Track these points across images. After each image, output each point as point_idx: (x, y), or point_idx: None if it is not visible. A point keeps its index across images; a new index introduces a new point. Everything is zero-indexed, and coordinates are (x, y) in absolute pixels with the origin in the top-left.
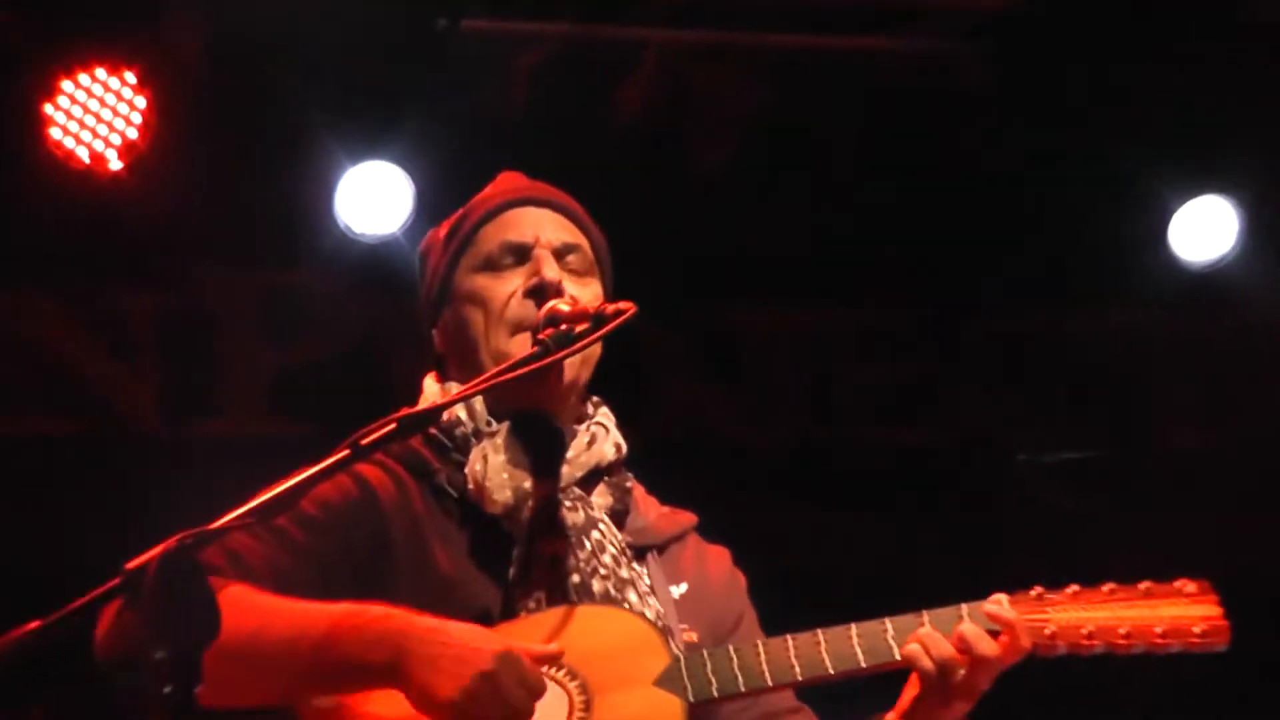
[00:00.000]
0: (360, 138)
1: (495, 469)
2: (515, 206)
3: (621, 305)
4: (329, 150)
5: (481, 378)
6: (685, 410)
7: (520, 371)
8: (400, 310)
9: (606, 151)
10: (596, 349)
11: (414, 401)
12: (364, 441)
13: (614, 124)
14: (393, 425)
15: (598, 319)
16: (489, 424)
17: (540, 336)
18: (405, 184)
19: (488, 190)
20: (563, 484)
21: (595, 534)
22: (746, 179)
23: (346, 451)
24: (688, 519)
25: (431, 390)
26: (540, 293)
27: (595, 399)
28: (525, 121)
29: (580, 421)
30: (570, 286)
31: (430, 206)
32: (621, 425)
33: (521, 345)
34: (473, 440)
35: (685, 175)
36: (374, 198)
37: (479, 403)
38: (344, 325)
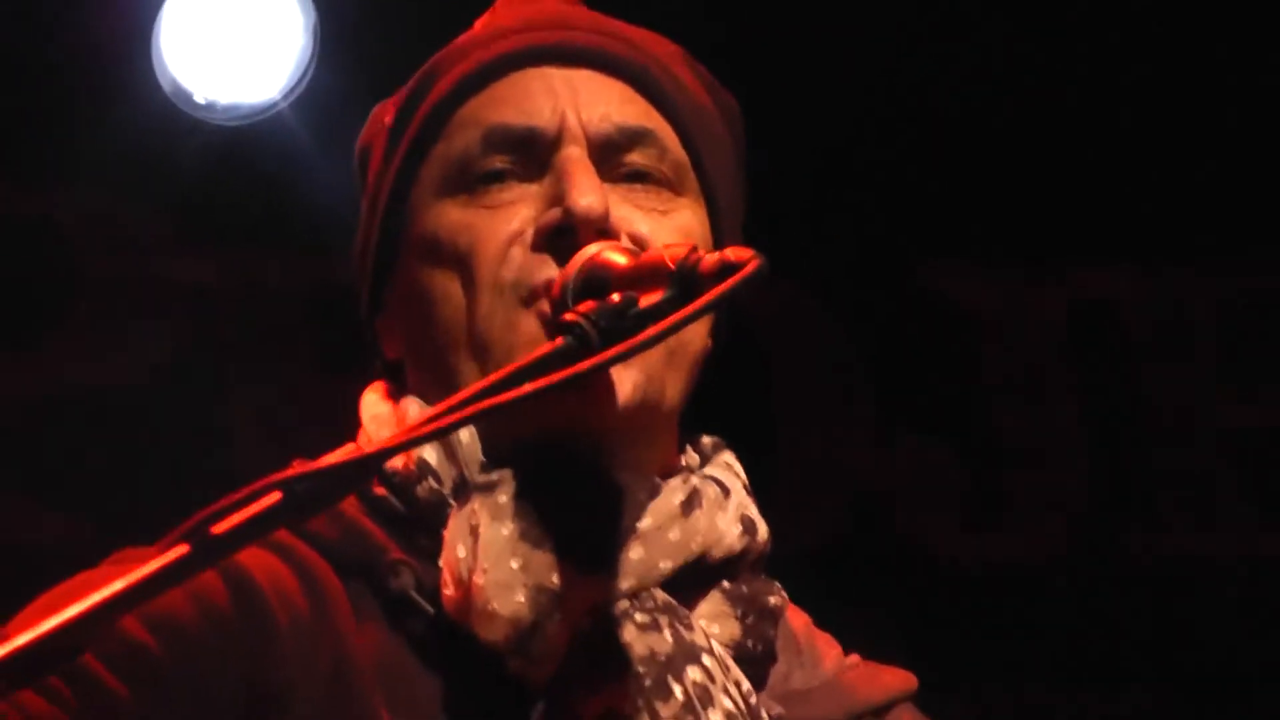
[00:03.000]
0: None
1: (495, 552)
2: (525, 65)
3: (733, 254)
4: None
5: (462, 394)
6: (879, 477)
7: (533, 387)
8: (290, 268)
9: None
10: (696, 337)
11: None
12: (217, 529)
13: None
14: (275, 495)
15: (685, 280)
16: (484, 470)
17: (568, 317)
18: (293, 4)
19: (477, 25)
20: (629, 582)
21: (694, 673)
22: None
23: (184, 549)
24: (898, 681)
25: (377, 413)
26: (564, 236)
27: (708, 438)
28: None
29: (671, 474)
30: (631, 218)
31: (342, 52)
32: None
33: (534, 330)
34: (451, 503)
35: None
36: (228, 32)
37: (466, 435)
38: (165, 309)
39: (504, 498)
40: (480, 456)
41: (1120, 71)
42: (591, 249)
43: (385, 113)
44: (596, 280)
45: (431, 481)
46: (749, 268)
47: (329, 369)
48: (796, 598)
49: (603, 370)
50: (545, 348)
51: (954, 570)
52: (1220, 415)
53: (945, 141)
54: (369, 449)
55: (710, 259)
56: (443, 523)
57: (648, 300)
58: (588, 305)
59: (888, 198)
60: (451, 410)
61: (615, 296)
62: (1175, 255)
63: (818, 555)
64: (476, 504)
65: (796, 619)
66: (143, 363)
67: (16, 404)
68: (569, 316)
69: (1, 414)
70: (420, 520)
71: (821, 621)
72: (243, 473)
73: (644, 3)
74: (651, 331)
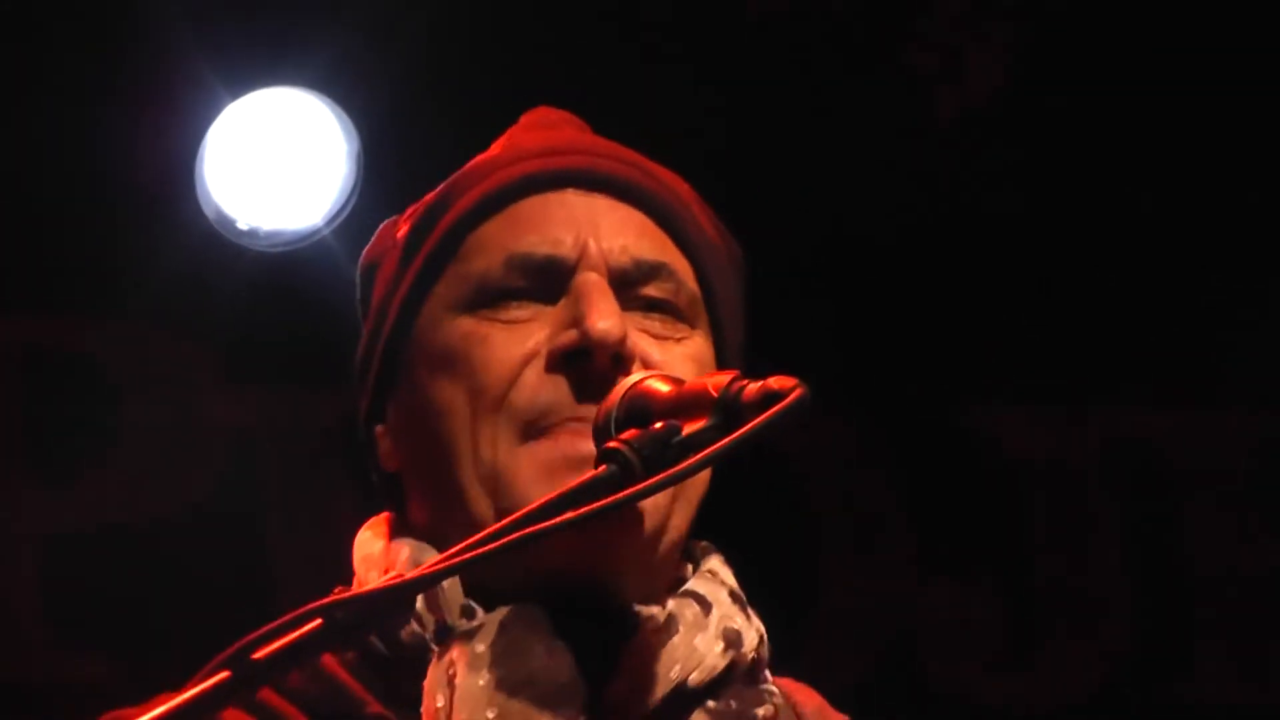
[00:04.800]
0: (252, 53)
1: (471, 702)
2: (546, 188)
3: (776, 383)
4: (188, 75)
5: (489, 530)
6: (916, 618)
7: (569, 517)
8: (331, 401)
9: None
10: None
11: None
12: (257, 655)
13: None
14: (316, 622)
15: (727, 409)
16: (468, 614)
17: (611, 444)
18: (336, 131)
19: (496, 147)
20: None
21: None
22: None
23: (224, 675)
24: None
25: (368, 554)
26: (579, 360)
27: (700, 543)
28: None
29: (669, 592)
30: (645, 345)
31: (384, 178)
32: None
33: (553, 451)
34: (432, 648)
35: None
36: (271, 159)
37: (447, 580)
38: (202, 441)
39: (481, 646)
40: (462, 599)
41: (1160, 215)
42: (634, 377)
43: (396, 229)
44: (639, 408)
45: (415, 625)
46: (792, 397)
47: (371, 506)
48: None
49: (648, 497)
50: (589, 475)
51: (989, 714)
52: (1263, 559)
53: (986, 283)
54: (409, 576)
55: (753, 388)
56: (424, 668)
57: (690, 428)
58: (631, 433)
59: (929, 340)
60: (494, 537)
61: (658, 424)
62: (1216, 396)
63: (853, 695)
64: (455, 653)
65: (809, 701)
66: (184, 500)
67: (58, 542)
68: (612, 444)
69: (42, 552)
70: (403, 664)
71: None
72: (285, 610)
73: (672, 144)
74: (694, 460)
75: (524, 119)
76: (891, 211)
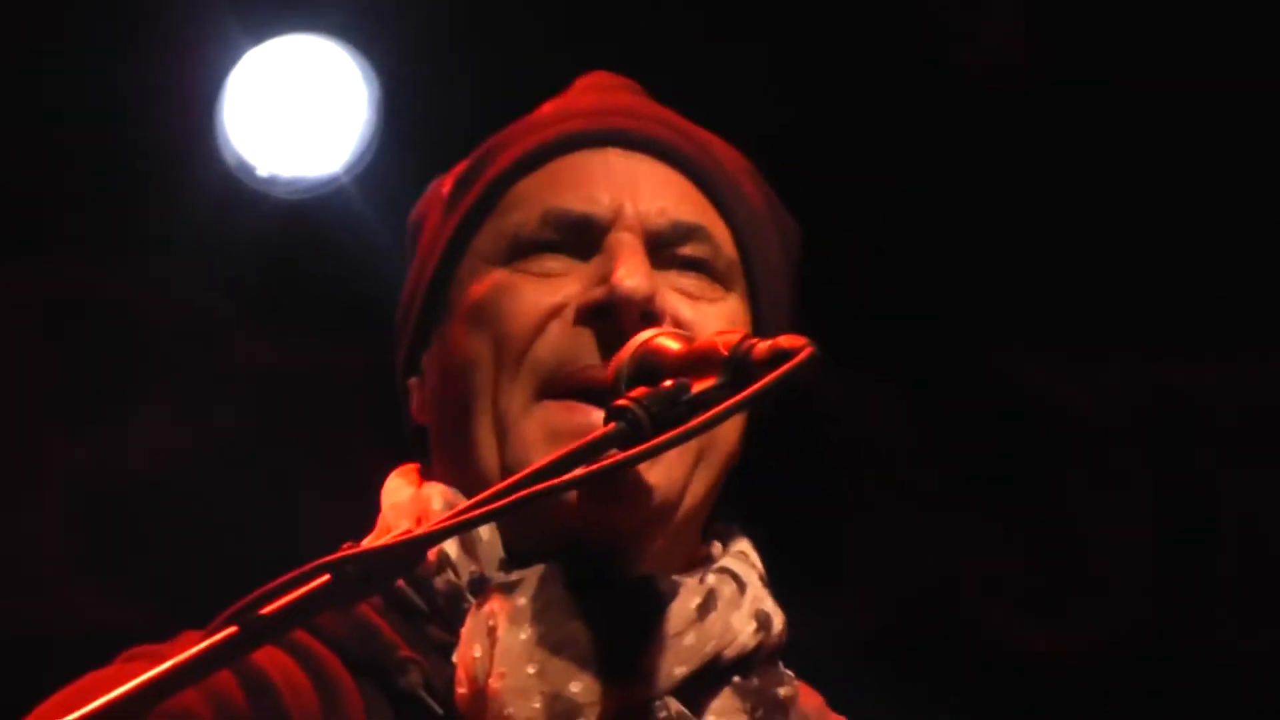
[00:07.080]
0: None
1: (512, 657)
2: (585, 146)
3: (786, 341)
4: (209, 22)
5: (498, 487)
6: (926, 569)
7: (576, 475)
8: (352, 346)
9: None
10: (727, 437)
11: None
12: (265, 610)
13: None
14: (325, 577)
15: (737, 367)
16: (503, 570)
17: (621, 402)
18: (356, 78)
19: (546, 107)
20: (646, 689)
21: None
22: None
23: (232, 630)
24: None
25: (396, 501)
26: (605, 317)
27: (725, 526)
28: None
29: (692, 568)
30: (676, 304)
31: (404, 126)
32: (784, 589)
33: (562, 417)
34: (468, 600)
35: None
36: (291, 106)
37: (486, 531)
38: (226, 385)
39: (523, 600)
40: (500, 553)
41: (1201, 161)
42: (645, 334)
43: (442, 185)
44: (649, 366)
45: (450, 574)
46: (801, 355)
47: (395, 450)
48: (859, 685)
49: (657, 455)
50: (597, 432)
51: (1017, 659)
52: None
53: (1019, 227)
54: (419, 532)
55: (763, 346)
56: (458, 617)
57: (700, 386)
58: (640, 391)
59: (960, 284)
60: (501, 494)
61: (668, 382)
62: (1252, 344)
63: (881, 642)
64: (496, 605)
65: (810, 700)
66: (209, 444)
67: (82, 486)
68: (622, 402)
69: (67, 496)
70: (436, 613)
71: (882, 709)
72: (308, 555)
73: (716, 106)
74: (703, 418)
75: (579, 82)
76: (926, 160)
